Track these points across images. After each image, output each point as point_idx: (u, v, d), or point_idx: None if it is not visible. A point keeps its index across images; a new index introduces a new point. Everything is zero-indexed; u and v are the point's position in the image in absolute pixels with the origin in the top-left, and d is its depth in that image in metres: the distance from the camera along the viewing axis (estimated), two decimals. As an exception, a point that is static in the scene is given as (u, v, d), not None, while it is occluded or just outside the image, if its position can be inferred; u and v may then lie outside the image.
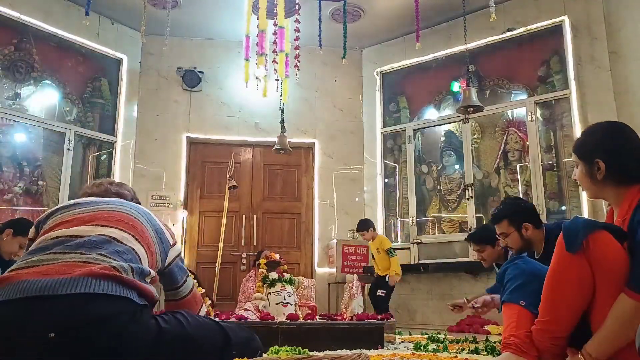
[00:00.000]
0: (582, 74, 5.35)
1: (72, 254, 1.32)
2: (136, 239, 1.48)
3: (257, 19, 4.39)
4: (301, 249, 6.61)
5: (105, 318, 1.24)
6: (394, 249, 5.43)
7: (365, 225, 5.48)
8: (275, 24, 4.31)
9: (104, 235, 1.41)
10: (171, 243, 1.69)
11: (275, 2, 4.25)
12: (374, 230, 5.57)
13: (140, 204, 1.88)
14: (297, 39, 4.64)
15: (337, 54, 5.24)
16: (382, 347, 2.91)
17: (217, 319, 1.58)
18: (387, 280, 5.30)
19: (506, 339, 1.78)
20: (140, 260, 1.44)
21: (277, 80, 4.70)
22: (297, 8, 4.54)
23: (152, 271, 1.47)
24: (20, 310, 1.19)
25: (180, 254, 1.78)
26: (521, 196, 5.56)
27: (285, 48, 4.36)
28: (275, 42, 4.31)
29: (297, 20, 4.59)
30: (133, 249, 1.44)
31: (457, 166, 6.24)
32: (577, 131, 5.20)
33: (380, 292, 5.36)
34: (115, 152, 6.20)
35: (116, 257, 1.35)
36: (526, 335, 1.72)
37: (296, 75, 4.88)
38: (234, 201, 6.32)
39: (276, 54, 4.31)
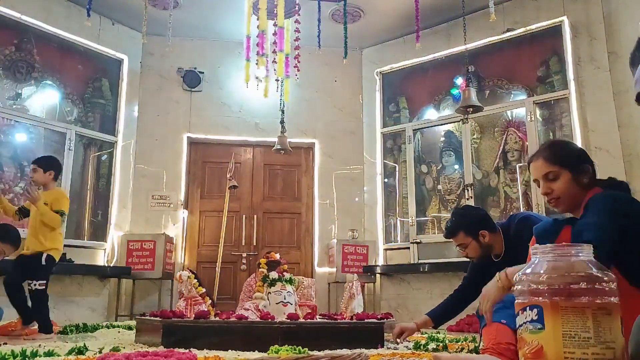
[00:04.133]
0: (582, 74, 5.35)
1: None
2: None
3: (258, 19, 4.40)
4: (301, 249, 6.62)
5: None
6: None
7: None
8: (275, 25, 4.33)
9: None
10: None
11: (275, 3, 4.27)
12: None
13: None
14: (297, 39, 4.65)
15: (337, 54, 5.25)
16: (382, 346, 2.92)
17: None
18: (43, 261, 3.56)
19: (484, 348, 1.83)
20: None
21: (277, 80, 4.72)
22: (297, 9, 4.55)
23: None
24: None
25: None
26: (520, 196, 5.59)
27: (286, 48, 4.38)
28: (275, 43, 4.33)
29: (297, 21, 4.60)
30: None
31: (456, 166, 6.25)
32: (577, 131, 5.20)
33: (37, 284, 3.49)
34: (115, 152, 6.21)
35: None
36: (506, 343, 1.76)
37: (296, 75, 4.89)
38: (234, 201, 6.33)
39: (276, 54, 4.33)
